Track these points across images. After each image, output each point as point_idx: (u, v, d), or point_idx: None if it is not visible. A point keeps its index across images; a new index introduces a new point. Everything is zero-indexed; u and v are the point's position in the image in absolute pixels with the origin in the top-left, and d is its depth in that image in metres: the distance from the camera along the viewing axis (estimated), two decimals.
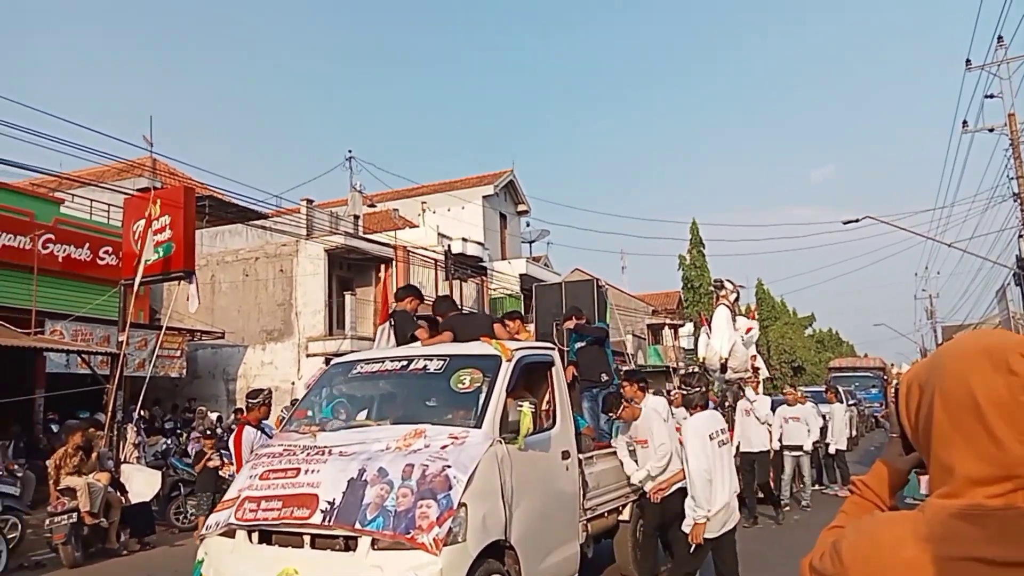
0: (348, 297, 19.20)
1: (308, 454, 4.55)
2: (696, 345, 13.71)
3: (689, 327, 36.93)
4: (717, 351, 10.39)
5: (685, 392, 5.16)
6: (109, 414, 10.44)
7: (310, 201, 20.61)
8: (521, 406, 4.50)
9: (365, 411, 5.41)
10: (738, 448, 8.99)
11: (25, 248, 13.15)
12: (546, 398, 5.60)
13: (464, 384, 4.83)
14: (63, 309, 13.24)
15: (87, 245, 14.59)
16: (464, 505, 4.02)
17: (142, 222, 11.04)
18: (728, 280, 11.27)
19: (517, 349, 5.23)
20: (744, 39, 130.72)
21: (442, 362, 5.09)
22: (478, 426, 4.51)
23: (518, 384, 5.07)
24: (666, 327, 40.21)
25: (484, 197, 28.12)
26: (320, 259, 18.72)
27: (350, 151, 25.90)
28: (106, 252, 14.74)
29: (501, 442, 4.49)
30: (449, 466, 4.12)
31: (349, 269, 20.37)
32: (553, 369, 5.66)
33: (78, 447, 8.57)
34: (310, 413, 5.38)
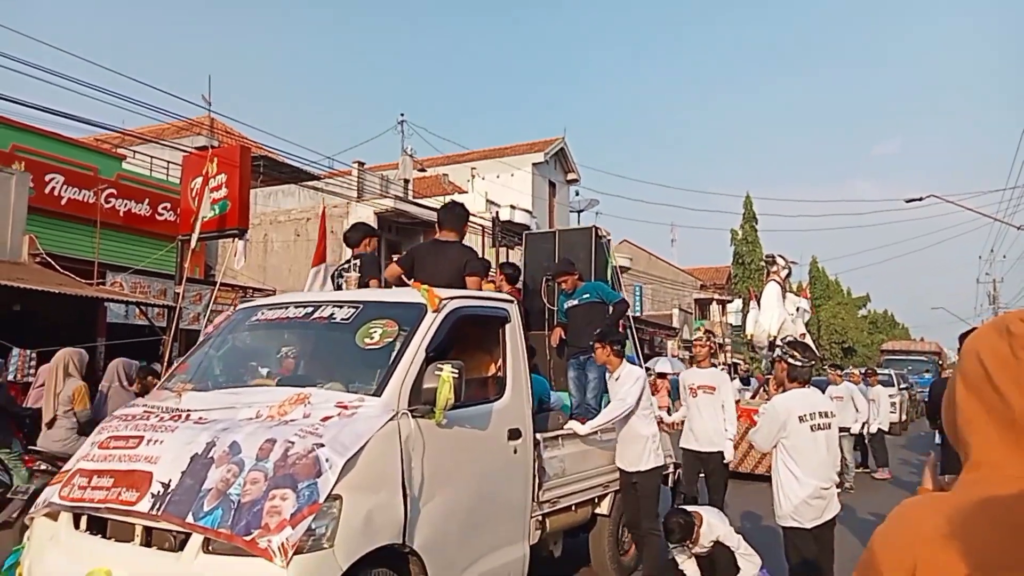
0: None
1: (160, 419, 3.63)
2: (744, 321, 13.52)
3: (738, 303, 36.37)
4: (766, 328, 10.22)
5: (796, 364, 4.29)
6: (165, 364, 10.82)
7: (362, 164, 20.79)
8: (441, 370, 3.46)
9: (251, 368, 4.48)
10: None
11: (89, 202, 13.60)
12: (499, 363, 4.52)
13: (372, 339, 3.81)
14: (123, 262, 13.70)
15: (147, 201, 15.01)
16: (338, 498, 3.08)
17: (199, 180, 11.27)
18: (780, 256, 11.03)
19: (452, 298, 4.11)
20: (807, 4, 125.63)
21: (353, 310, 4.07)
22: (377, 393, 3.51)
23: (454, 343, 4.08)
24: (714, 302, 39.69)
25: (534, 164, 27.96)
26: (370, 222, 18.92)
27: (402, 115, 25.99)
28: (164, 208, 15.15)
29: (409, 416, 3.49)
30: (322, 444, 3.14)
31: (398, 233, 20.56)
32: (507, 327, 4.50)
33: (137, 394, 8.94)
34: (196, 366, 4.37)
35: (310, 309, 4.25)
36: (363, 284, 5.10)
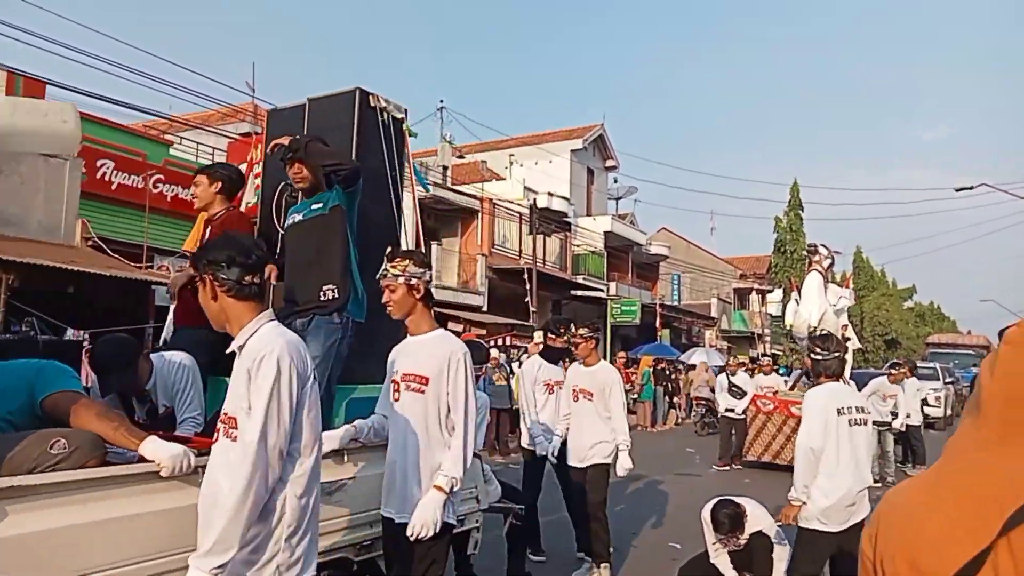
0: (434, 247, 19.58)
1: None
2: (784, 312, 13.33)
3: (778, 293, 35.82)
4: (806, 319, 10.06)
5: (818, 357, 4.02)
6: None
7: None
8: None
9: None
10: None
11: (138, 187, 13.99)
12: None
13: None
14: (170, 246, 14.07)
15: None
16: None
17: (244, 166, 11.51)
18: (823, 245, 10.83)
19: None
20: None
21: None
22: None
23: None
24: (753, 292, 39.16)
25: (572, 151, 27.83)
26: (409, 208, 19.04)
27: (441, 101, 26.07)
28: None
29: None
30: None
31: (436, 220, 20.70)
32: None
33: None
34: None
35: None
36: None
